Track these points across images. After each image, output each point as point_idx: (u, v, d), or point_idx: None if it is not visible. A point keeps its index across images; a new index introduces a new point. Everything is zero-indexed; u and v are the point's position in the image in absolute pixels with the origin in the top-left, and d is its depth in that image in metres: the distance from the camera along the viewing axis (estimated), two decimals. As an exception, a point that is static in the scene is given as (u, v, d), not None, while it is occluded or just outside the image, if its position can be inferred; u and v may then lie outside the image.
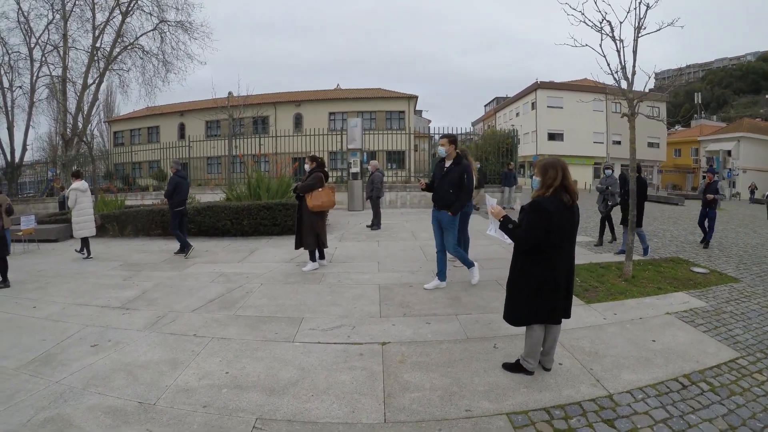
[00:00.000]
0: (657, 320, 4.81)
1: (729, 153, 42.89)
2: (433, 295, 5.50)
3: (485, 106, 71.25)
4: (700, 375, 3.58)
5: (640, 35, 6.30)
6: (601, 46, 6.56)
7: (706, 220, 9.20)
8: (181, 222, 8.60)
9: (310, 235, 6.74)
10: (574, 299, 5.34)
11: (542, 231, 3.19)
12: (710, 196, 9.11)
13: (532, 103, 45.76)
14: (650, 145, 45.08)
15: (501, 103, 60.10)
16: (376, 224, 11.14)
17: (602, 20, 6.38)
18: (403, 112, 37.92)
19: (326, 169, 7.40)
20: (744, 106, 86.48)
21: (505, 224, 3.41)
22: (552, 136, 44.18)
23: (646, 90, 7.16)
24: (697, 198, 30.95)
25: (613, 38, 6.41)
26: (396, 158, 26.65)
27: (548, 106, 43.85)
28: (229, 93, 20.75)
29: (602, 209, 9.20)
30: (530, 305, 3.37)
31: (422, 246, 8.67)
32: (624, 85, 6.58)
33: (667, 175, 48.64)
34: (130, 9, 22.49)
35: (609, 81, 6.88)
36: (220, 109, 20.47)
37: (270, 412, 2.94)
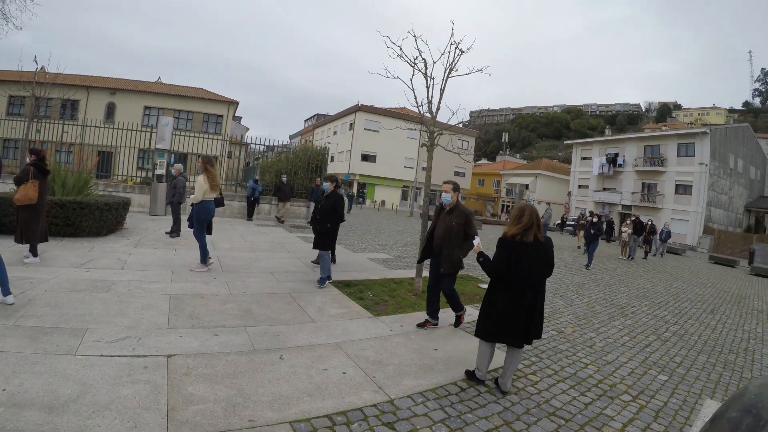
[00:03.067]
0: (441, 331, 5.29)
1: (527, 186, 52.04)
2: (225, 306, 5.46)
3: (305, 120, 72.39)
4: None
5: (450, 76, 7.08)
6: (411, 80, 7.22)
7: None
8: None
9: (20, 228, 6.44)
10: (363, 312, 5.77)
11: (502, 263, 3.72)
12: None
13: (351, 124, 47.62)
14: (456, 174, 50.67)
15: (321, 120, 61.45)
16: (175, 231, 10.33)
17: (416, 57, 7.02)
18: (221, 116, 36.58)
19: (47, 164, 6.70)
20: (545, 149, 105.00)
21: (477, 258, 4.00)
22: (366, 157, 46.63)
23: (459, 125, 8.03)
24: (495, 223, 35.58)
25: (425, 75, 7.06)
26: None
27: (365, 129, 46.16)
28: (42, 67, 17.50)
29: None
30: (488, 323, 3.82)
31: (220, 256, 8.43)
32: (428, 117, 7.24)
33: (470, 203, 53.64)
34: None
35: (417, 112, 7.52)
36: (25, 84, 17.42)
37: (50, 431, 2.66)
